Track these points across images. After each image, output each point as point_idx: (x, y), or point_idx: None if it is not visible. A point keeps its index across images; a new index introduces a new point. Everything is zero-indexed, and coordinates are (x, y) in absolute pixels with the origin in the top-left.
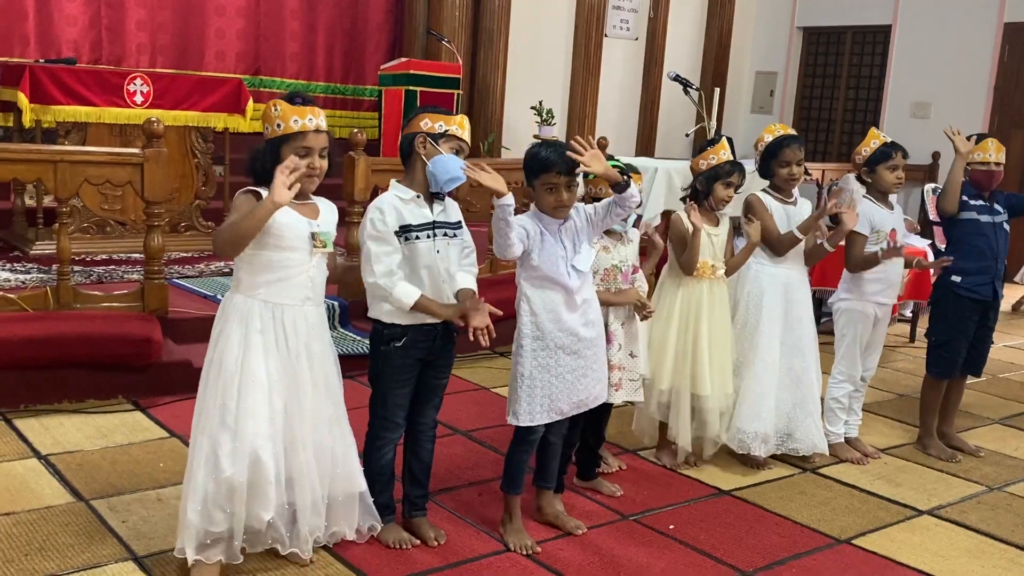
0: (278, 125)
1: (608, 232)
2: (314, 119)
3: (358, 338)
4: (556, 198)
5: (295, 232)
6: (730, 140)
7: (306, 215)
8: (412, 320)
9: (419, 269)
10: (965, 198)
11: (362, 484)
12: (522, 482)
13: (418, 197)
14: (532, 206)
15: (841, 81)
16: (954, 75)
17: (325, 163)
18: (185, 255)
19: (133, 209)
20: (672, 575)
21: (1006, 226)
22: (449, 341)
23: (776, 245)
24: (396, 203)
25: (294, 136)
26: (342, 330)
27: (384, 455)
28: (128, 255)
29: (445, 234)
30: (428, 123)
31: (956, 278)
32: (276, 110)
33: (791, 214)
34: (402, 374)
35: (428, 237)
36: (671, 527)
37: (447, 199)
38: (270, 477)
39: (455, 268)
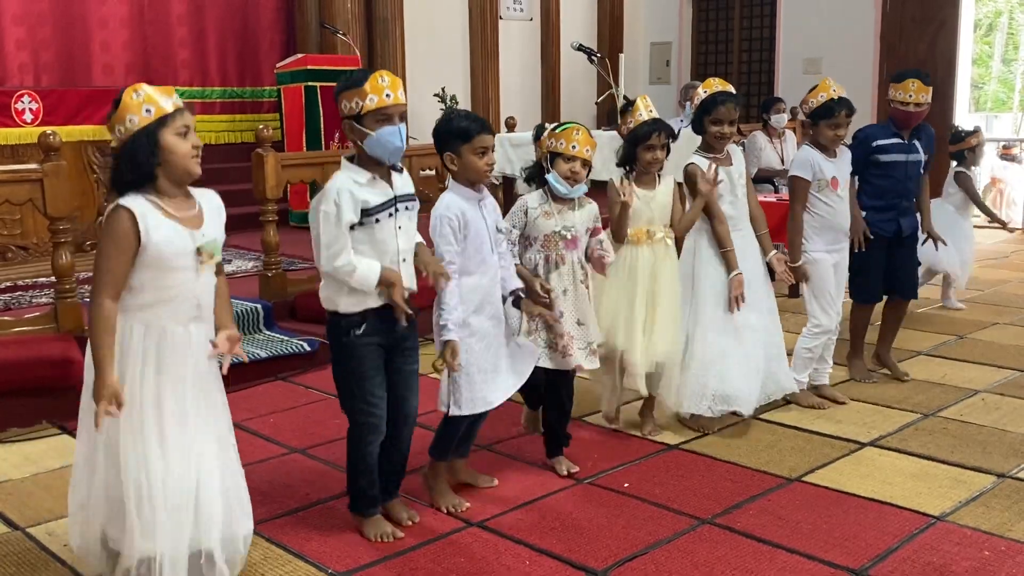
0: (147, 111)
1: (555, 197)
2: (179, 98)
3: (285, 338)
4: (487, 160)
5: (177, 249)
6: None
7: (188, 223)
8: (368, 306)
9: (380, 252)
10: (879, 142)
11: (247, 526)
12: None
13: (374, 178)
14: (450, 184)
15: (734, 45)
16: (841, 29)
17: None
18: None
19: (34, 232)
20: (634, 531)
21: (920, 165)
22: (411, 325)
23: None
24: (352, 188)
25: (172, 116)
26: (268, 332)
27: (372, 451)
28: (34, 280)
29: (407, 208)
30: (347, 104)
31: (862, 212)
32: (139, 95)
33: (730, 173)
34: (371, 360)
35: (390, 216)
36: (626, 485)
37: (404, 171)
38: (157, 506)
39: (413, 244)
